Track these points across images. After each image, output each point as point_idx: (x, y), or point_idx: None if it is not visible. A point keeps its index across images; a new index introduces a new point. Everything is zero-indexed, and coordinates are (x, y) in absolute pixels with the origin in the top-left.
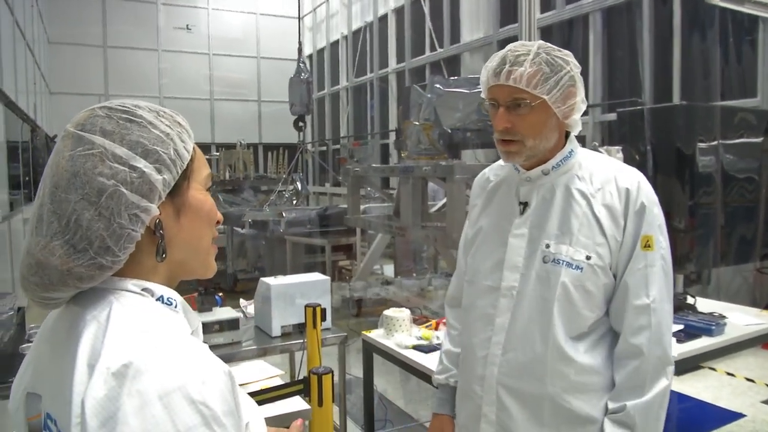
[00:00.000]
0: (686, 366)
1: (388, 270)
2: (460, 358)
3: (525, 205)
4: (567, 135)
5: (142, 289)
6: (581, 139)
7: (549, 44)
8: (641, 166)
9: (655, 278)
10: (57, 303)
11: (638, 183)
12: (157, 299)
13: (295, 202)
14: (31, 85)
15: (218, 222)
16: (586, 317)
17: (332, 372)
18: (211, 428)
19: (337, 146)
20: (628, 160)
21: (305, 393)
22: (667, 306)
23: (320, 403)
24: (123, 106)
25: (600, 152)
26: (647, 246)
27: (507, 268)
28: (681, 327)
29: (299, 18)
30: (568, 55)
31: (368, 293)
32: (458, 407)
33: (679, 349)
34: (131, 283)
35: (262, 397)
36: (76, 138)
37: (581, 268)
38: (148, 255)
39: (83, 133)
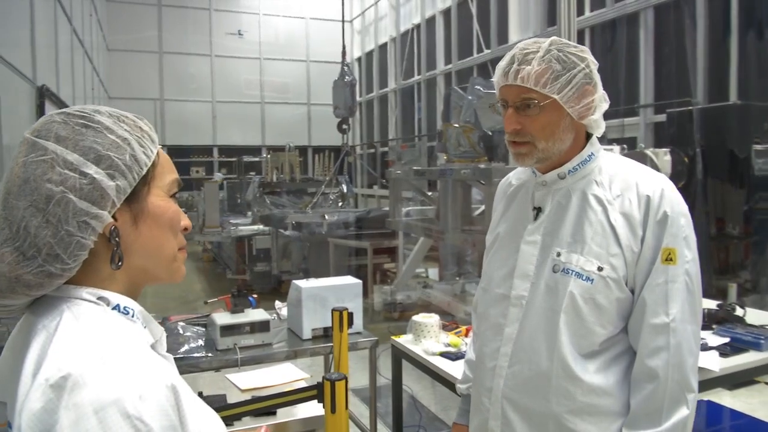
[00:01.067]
0: (733, 381)
1: (433, 273)
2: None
3: (539, 210)
4: (589, 137)
5: (98, 298)
6: (630, 142)
7: (564, 40)
8: (690, 169)
9: (676, 295)
10: (11, 310)
11: (661, 190)
12: (113, 308)
13: (340, 204)
14: (89, 91)
15: (186, 229)
16: (597, 333)
17: (346, 378)
18: None
19: (386, 149)
20: (676, 162)
21: (319, 399)
22: (691, 327)
23: (333, 409)
24: (81, 112)
25: (646, 155)
26: (669, 259)
27: (518, 276)
28: (727, 340)
29: (343, 21)
30: (584, 51)
31: (409, 297)
32: (470, 418)
33: (724, 364)
34: (86, 292)
35: (278, 401)
36: (31, 144)
37: (592, 280)
38: (105, 262)
39: (38, 139)
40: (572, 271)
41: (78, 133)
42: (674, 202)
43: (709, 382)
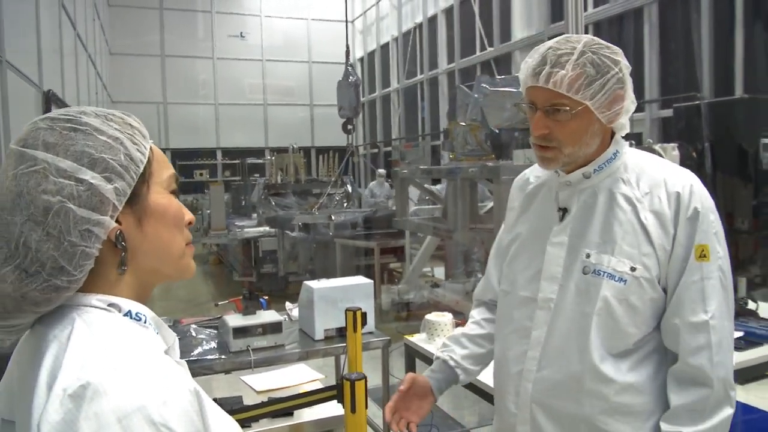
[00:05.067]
0: (748, 375)
1: (439, 272)
2: (480, 357)
3: (564, 211)
4: (612, 134)
5: (108, 305)
6: (636, 137)
7: (597, 40)
8: (699, 164)
9: (713, 292)
10: (20, 329)
11: (691, 186)
12: (125, 314)
13: (345, 204)
14: (93, 95)
15: (189, 223)
16: (631, 334)
17: (365, 378)
18: None
19: (389, 148)
20: (684, 157)
21: (339, 399)
22: (728, 323)
23: (353, 409)
24: (66, 115)
25: (655, 150)
26: (702, 256)
27: (545, 278)
28: (741, 334)
29: (346, 21)
30: (617, 53)
31: (417, 296)
32: (494, 424)
33: (739, 358)
34: (96, 299)
35: (297, 402)
36: (18, 155)
37: (625, 281)
38: (113, 268)
39: (25, 149)
40: (604, 272)
41: (67, 138)
42: (704, 198)
43: None
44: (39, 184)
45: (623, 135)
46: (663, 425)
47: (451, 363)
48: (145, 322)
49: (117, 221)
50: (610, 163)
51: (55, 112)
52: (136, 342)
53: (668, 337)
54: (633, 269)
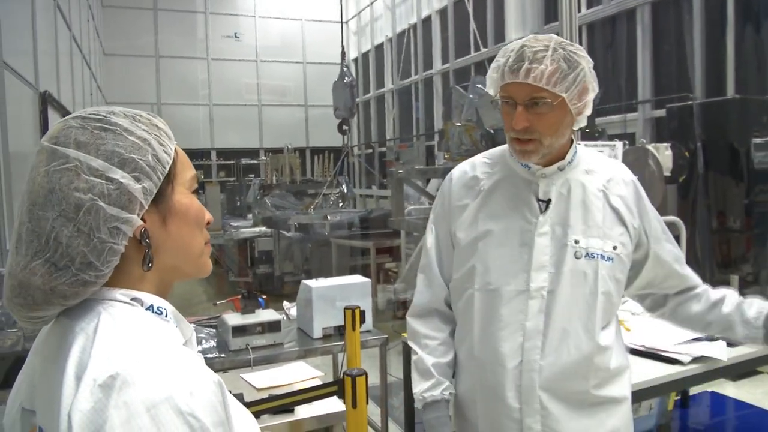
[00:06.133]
0: (739, 371)
1: None
2: (460, 372)
3: (548, 202)
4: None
5: (131, 299)
6: (629, 137)
7: (562, 39)
8: (691, 164)
9: (672, 238)
10: (45, 321)
11: (629, 172)
12: (147, 308)
13: (341, 204)
14: (87, 96)
15: (208, 223)
16: (616, 305)
17: (366, 374)
18: None
19: (383, 149)
20: (677, 157)
21: (339, 395)
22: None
23: (354, 404)
24: (97, 114)
25: (648, 150)
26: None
27: (534, 269)
28: None
29: (341, 22)
30: (580, 50)
31: (413, 295)
32: (476, 422)
33: (731, 353)
34: (120, 293)
35: (298, 398)
36: (51, 152)
37: (612, 259)
38: (136, 264)
39: (57, 146)
40: (597, 254)
41: (98, 138)
42: (636, 179)
43: (715, 372)
44: (71, 181)
45: (579, 128)
46: (713, 294)
47: (447, 396)
48: (166, 316)
49: (142, 219)
50: (575, 156)
51: (86, 112)
52: (159, 334)
53: (666, 286)
54: (615, 248)
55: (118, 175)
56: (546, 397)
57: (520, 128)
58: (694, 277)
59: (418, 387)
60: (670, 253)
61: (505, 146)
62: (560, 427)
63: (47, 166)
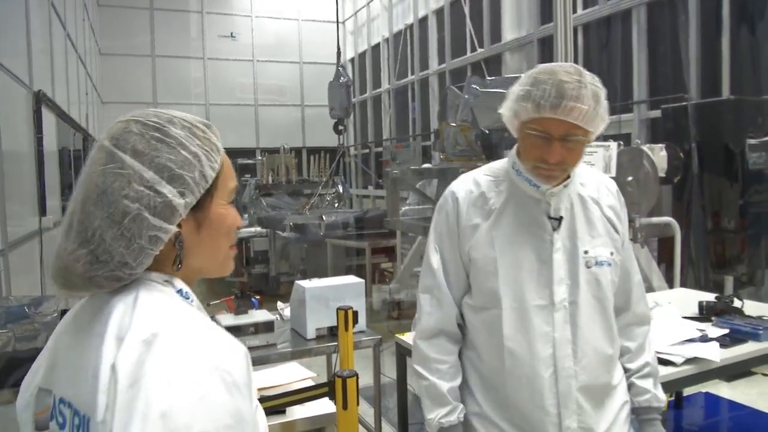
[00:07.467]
0: (733, 371)
1: None
2: (485, 389)
3: (560, 219)
4: None
5: (164, 281)
6: (625, 138)
7: (589, 73)
8: (686, 164)
9: (633, 255)
10: (82, 295)
11: (614, 183)
12: (177, 291)
13: (336, 205)
14: (83, 95)
15: (237, 227)
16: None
17: (357, 375)
18: (232, 394)
19: (380, 149)
20: (672, 157)
21: (331, 396)
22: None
23: (345, 405)
24: (157, 123)
25: (643, 151)
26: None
27: (556, 283)
28: (726, 331)
29: (337, 22)
30: (598, 81)
31: (408, 295)
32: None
33: (724, 354)
34: (155, 275)
35: (289, 399)
36: (110, 153)
37: (611, 264)
38: (168, 261)
39: (116, 150)
40: (603, 261)
41: (153, 149)
42: (618, 189)
43: (709, 373)
44: (123, 188)
45: None
46: (630, 365)
47: (462, 419)
48: (192, 302)
49: (178, 225)
50: (573, 172)
51: (147, 117)
52: (191, 310)
53: (620, 298)
54: (611, 254)
55: (166, 189)
56: (581, 397)
57: (555, 161)
58: (642, 312)
59: (434, 413)
60: (631, 260)
61: (504, 161)
62: (591, 421)
63: (104, 165)
